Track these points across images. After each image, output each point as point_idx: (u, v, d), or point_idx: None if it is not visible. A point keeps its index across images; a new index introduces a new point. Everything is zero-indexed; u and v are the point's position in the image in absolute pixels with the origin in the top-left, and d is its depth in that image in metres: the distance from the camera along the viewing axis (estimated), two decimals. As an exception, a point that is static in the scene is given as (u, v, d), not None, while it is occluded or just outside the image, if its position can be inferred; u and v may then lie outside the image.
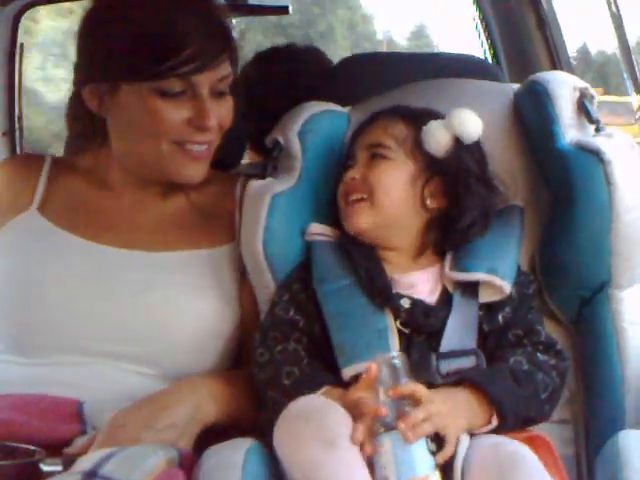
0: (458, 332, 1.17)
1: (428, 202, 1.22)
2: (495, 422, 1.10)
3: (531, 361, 1.15)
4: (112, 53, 1.24)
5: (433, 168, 1.22)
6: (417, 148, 1.22)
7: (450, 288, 1.20)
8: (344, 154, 1.31)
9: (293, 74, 1.91)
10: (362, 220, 1.22)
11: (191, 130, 1.25)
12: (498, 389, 1.11)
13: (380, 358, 1.08)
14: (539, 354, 1.17)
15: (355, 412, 1.05)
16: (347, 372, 1.15)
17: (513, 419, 1.10)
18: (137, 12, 1.24)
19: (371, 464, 1.02)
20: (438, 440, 1.05)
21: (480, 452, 1.05)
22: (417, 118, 1.24)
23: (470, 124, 1.22)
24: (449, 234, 1.22)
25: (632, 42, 1.85)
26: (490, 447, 1.06)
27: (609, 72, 11.14)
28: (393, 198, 1.21)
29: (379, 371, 1.06)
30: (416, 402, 1.04)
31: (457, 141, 1.21)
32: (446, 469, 1.04)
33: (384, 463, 1.02)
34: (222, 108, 1.28)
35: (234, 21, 1.38)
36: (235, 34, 1.35)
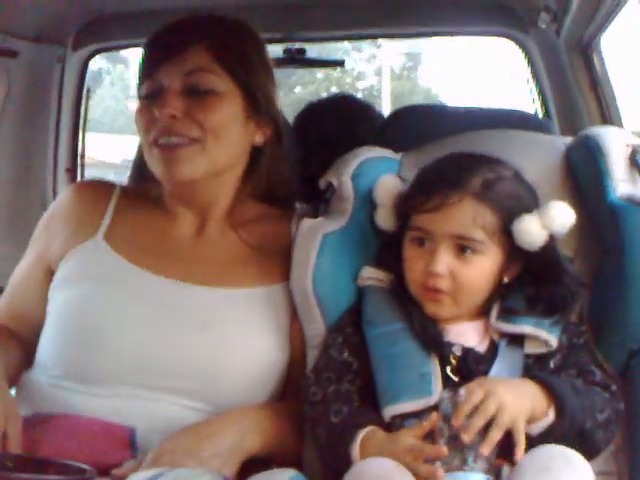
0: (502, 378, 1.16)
1: (505, 280, 1.21)
2: (552, 415, 1.09)
3: (587, 384, 1.16)
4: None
5: (519, 255, 1.19)
6: (507, 237, 1.18)
7: (496, 338, 1.20)
8: (406, 212, 1.24)
9: (347, 123, 1.96)
10: (445, 312, 1.19)
11: (157, 128, 1.27)
12: (560, 385, 1.11)
13: (447, 395, 1.09)
14: (596, 387, 1.17)
15: (408, 457, 1.05)
16: (387, 412, 1.16)
17: (569, 420, 1.09)
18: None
19: None
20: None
21: (527, 457, 1.05)
22: (507, 206, 1.18)
23: (565, 219, 1.19)
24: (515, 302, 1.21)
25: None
26: (538, 451, 1.05)
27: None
28: (479, 289, 1.19)
29: (443, 408, 1.07)
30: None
31: (549, 235, 1.19)
32: None
33: None
34: (199, 105, 1.26)
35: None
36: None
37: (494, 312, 1.21)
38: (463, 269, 1.17)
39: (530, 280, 1.21)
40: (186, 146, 1.27)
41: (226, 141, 1.29)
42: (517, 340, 1.20)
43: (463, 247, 1.17)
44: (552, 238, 1.20)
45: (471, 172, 1.19)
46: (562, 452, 1.06)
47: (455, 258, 1.17)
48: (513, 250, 1.19)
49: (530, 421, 1.09)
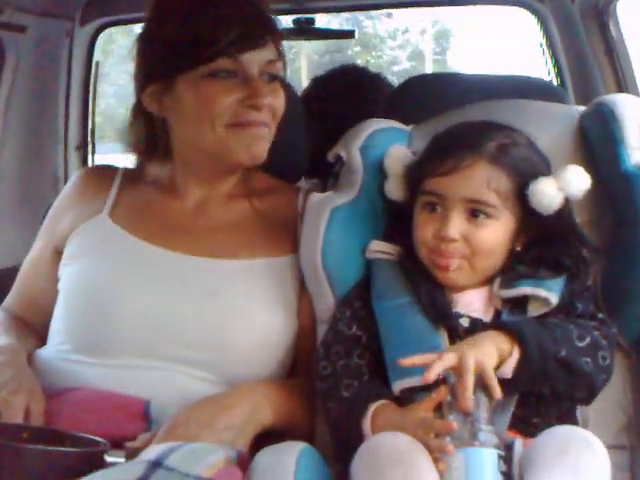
0: None
1: (518, 248, 1.20)
2: (517, 352, 1.09)
3: (565, 319, 1.15)
4: (166, 50, 1.30)
5: (533, 221, 1.19)
6: (521, 203, 1.17)
7: (499, 306, 1.20)
8: (419, 178, 1.23)
9: (356, 94, 1.94)
10: (461, 277, 1.19)
11: (244, 110, 1.28)
12: (518, 322, 1.12)
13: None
14: (578, 319, 1.15)
15: (419, 431, 1.05)
16: (397, 386, 1.16)
17: (537, 351, 1.08)
18: (183, 11, 1.30)
19: None
20: (508, 460, 1.04)
21: (544, 438, 1.04)
22: (521, 169, 1.17)
23: (581, 183, 1.18)
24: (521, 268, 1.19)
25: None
26: (554, 432, 1.05)
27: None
28: (494, 254, 1.18)
29: (453, 383, 1.06)
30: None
31: (565, 199, 1.18)
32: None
33: (454, 478, 1.01)
34: (274, 93, 1.31)
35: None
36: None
37: (497, 280, 1.20)
38: (476, 234, 1.16)
39: (535, 244, 1.20)
40: (263, 127, 1.30)
41: (277, 123, 1.34)
42: (520, 306, 1.19)
43: (475, 211, 1.16)
44: (567, 202, 1.19)
45: (487, 136, 1.18)
46: (580, 434, 1.05)
47: (467, 223, 1.16)
48: (526, 216, 1.18)
49: (500, 363, 1.09)
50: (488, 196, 1.15)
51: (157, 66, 1.32)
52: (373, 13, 10.68)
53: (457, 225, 1.16)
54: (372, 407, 1.12)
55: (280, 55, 1.34)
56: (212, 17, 1.28)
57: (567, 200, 1.18)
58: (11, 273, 1.48)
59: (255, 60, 1.29)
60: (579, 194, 1.18)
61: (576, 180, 1.18)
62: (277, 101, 1.32)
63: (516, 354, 1.09)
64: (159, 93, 1.32)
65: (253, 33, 1.29)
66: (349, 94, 1.96)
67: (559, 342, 1.11)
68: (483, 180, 1.15)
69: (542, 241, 1.20)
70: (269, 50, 1.31)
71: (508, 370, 1.09)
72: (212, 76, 1.28)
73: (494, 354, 1.08)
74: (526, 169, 1.18)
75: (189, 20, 1.29)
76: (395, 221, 1.29)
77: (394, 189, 1.28)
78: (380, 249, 1.27)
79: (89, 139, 2.34)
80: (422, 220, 1.21)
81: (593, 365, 1.12)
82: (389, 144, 1.35)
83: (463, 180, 1.16)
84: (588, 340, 1.13)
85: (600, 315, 1.18)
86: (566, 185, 1.17)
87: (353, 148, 1.34)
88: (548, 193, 1.16)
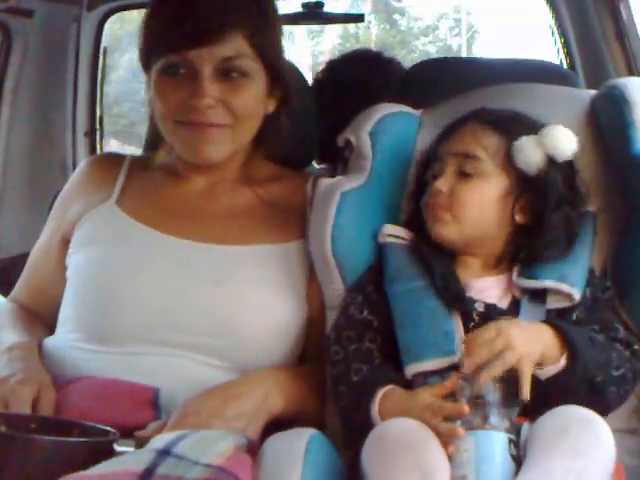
0: None
1: (517, 218, 1.20)
2: (564, 362, 1.09)
3: (607, 340, 1.15)
4: (142, 40, 1.31)
5: (524, 183, 1.19)
6: (510, 161, 1.19)
7: (518, 294, 1.19)
8: (427, 154, 1.28)
9: (366, 78, 1.92)
10: (449, 232, 1.20)
11: (187, 109, 1.26)
12: (577, 334, 1.11)
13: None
14: (616, 344, 1.15)
15: (427, 415, 1.05)
16: (410, 370, 1.15)
17: (581, 370, 1.09)
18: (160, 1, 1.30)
19: None
20: (517, 443, 1.04)
21: (544, 419, 1.04)
22: (509, 128, 1.20)
23: (564, 142, 1.18)
24: (530, 249, 1.20)
25: None
26: (555, 413, 1.04)
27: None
28: (482, 215, 1.19)
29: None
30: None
31: (550, 159, 1.18)
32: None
33: (463, 461, 1.01)
34: (231, 90, 1.26)
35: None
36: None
37: (516, 269, 1.20)
38: (462, 189, 1.19)
39: (541, 234, 1.19)
40: (215, 128, 1.28)
41: (252, 122, 1.32)
42: (539, 295, 1.18)
43: (464, 167, 1.19)
44: (554, 163, 1.18)
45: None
46: (580, 414, 1.04)
47: (456, 178, 1.20)
48: (518, 180, 1.19)
49: (540, 364, 1.08)
50: (476, 150, 1.19)
51: (140, 56, 1.33)
52: (405, 12, 11.52)
53: (448, 180, 1.20)
54: (380, 392, 1.12)
55: (252, 49, 1.27)
56: (176, 7, 1.26)
57: (552, 161, 1.18)
58: (20, 260, 1.49)
59: (205, 57, 1.24)
60: (562, 154, 1.18)
61: (558, 139, 1.18)
62: (236, 100, 1.26)
63: (562, 365, 1.09)
64: (148, 82, 1.33)
65: (207, 28, 1.24)
66: (362, 76, 1.94)
67: (601, 367, 1.11)
68: (471, 135, 1.21)
69: (543, 213, 1.20)
70: (230, 45, 1.25)
71: (545, 374, 1.09)
72: (163, 71, 1.27)
73: (538, 354, 1.07)
74: (511, 128, 1.20)
75: (158, 9, 1.29)
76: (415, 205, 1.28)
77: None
78: (393, 233, 1.27)
79: (97, 125, 2.34)
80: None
81: (617, 396, 1.13)
82: (399, 129, 1.35)
83: (455, 138, 1.22)
84: (622, 372, 1.13)
85: (636, 347, 1.17)
86: (547, 142, 1.17)
87: (362, 132, 1.33)
88: (527, 149, 1.17)
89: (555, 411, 1.05)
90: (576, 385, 1.10)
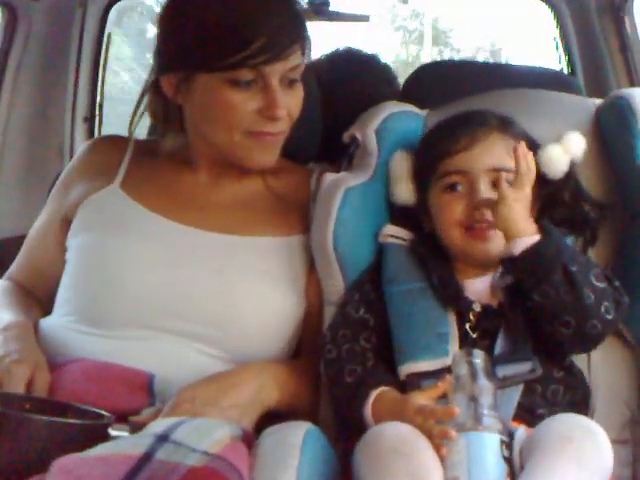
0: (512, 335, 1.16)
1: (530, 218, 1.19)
2: (537, 237, 1.12)
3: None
4: (187, 43, 1.27)
5: (544, 187, 1.23)
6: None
7: (501, 298, 1.19)
8: (432, 164, 1.24)
9: (350, 77, 1.92)
10: (494, 247, 1.18)
11: (262, 120, 1.26)
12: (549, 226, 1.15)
13: (461, 355, 1.08)
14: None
15: (418, 418, 1.05)
16: (403, 370, 1.16)
17: (555, 245, 1.11)
18: (213, 3, 1.26)
19: None
20: (511, 447, 1.04)
21: (546, 426, 1.04)
22: (529, 140, 1.23)
23: (582, 143, 1.26)
24: None
25: None
26: (557, 420, 1.04)
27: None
28: (521, 224, 1.16)
29: (457, 368, 1.06)
30: None
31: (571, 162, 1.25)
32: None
33: (455, 462, 1.01)
34: (292, 98, 1.29)
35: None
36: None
37: (499, 270, 1.19)
38: (506, 204, 1.15)
39: (544, 212, 1.23)
40: (280, 136, 1.30)
41: (293, 121, 1.32)
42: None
43: (498, 182, 1.17)
44: (573, 165, 1.24)
45: (488, 115, 1.25)
46: (583, 422, 1.04)
47: (493, 193, 1.18)
48: (538, 184, 1.19)
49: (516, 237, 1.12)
50: (510, 162, 1.17)
51: (175, 57, 1.29)
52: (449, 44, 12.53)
53: (486, 194, 1.18)
54: (373, 394, 1.12)
55: (305, 58, 1.30)
56: (238, 16, 1.24)
57: (573, 163, 1.24)
58: (16, 242, 1.47)
59: (278, 70, 1.26)
60: (581, 156, 1.26)
61: (578, 143, 1.25)
62: (295, 104, 1.30)
63: (536, 237, 1.12)
64: (177, 81, 1.29)
65: (280, 43, 1.24)
66: (344, 76, 1.93)
67: (576, 261, 1.12)
68: (502, 148, 1.20)
69: (550, 208, 1.23)
70: (294, 57, 1.27)
71: (523, 245, 1.11)
72: (232, 83, 1.25)
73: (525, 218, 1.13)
74: (530, 138, 1.23)
75: (215, 14, 1.24)
76: (405, 214, 1.28)
77: (404, 191, 1.28)
78: (393, 233, 1.27)
79: (97, 111, 2.33)
80: (446, 202, 1.21)
81: (594, 304, 1.10)
82: (404, 128, 1.35)
83: (484, 151, 1.20)
84: (602, 286, 1.12)
85: (617, 283, 1.16)
86: (570, 147, 1.24)
87: (369, 130, 1.34)
88: (557, 157, 1.22)
89: (558, 418, 1.05)
90: (550, 266, 1.10)
